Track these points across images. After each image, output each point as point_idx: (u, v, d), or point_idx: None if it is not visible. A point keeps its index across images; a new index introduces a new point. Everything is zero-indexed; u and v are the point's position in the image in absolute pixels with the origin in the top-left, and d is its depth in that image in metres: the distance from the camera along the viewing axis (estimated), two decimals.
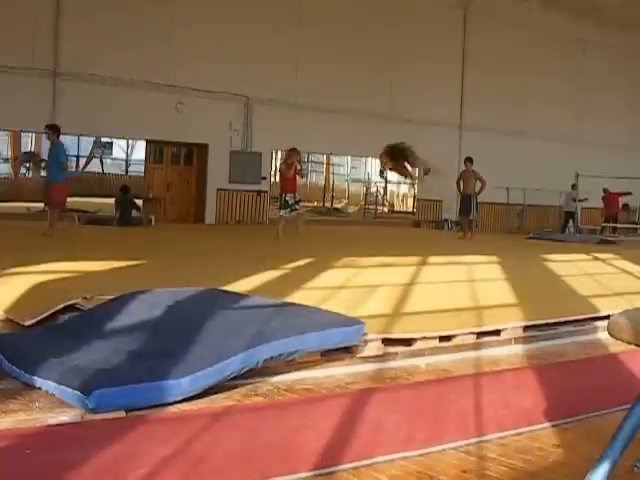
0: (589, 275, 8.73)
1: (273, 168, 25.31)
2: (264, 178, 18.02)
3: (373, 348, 4.54)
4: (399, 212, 28.98)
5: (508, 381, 4.14)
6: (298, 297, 5.60)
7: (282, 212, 12.58)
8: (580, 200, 19.67)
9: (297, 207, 12.67)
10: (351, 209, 29.32)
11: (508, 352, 4.95)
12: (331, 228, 17.09)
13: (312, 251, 10.10)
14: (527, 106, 21.24)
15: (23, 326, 4.69)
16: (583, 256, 11.40)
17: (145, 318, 4.17)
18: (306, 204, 29.56)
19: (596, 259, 11.08)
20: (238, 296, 5.01)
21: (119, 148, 32.41)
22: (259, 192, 17.87)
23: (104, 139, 28.71)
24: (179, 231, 14.23)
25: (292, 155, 12.67)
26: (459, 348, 4.89)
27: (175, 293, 4.71)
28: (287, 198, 12.55)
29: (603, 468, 2.09)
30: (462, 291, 6.80)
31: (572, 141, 22.02)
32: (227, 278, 6.26)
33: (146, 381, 3.31)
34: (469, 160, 14.78)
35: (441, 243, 14.27)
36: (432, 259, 9.70)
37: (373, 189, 30.04)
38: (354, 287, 6.68)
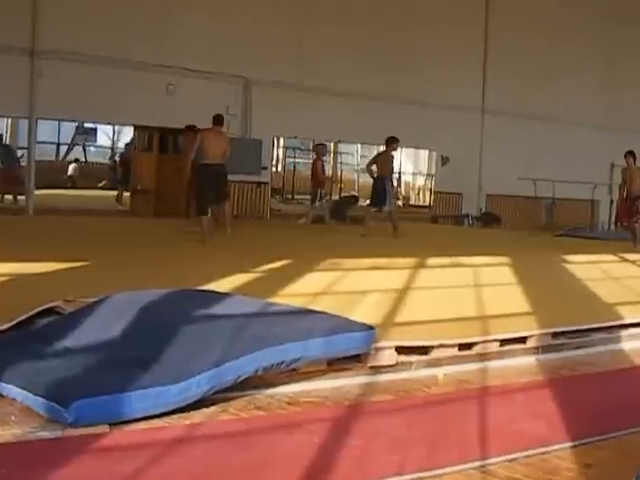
0: (615, 279, 8.73)
1: (274, 157, 25.34)
2: (265, 168, 17.98)
3: (385, 357, 4.53)
4: (415, 206, 28.94)
5: (534, 393, 4.12)
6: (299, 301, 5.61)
7: (317, 204, 14.21)
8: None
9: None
10: (360, 203, 29.30)
11: (534, 362, 4.94)
12: (339, 225, 17.03)
13: (312, 251, 10.13)
14: (556, 88, 21.15)
15: None
16: (611, 257, 11.36)
17: (130, 322, 4.17)
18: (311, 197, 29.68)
19: (624, 260, 11.05)
20: (232, 298, 5.00)
21: (104, 135, 32.41)
22: (259, 183, 17.84)
23: (87, 125, 28.70)
24: (166, 227, 14.20)
25: (321, 149, 14.40)
26: (481, 357, 4.87)
27: (162, 295, 4.71)
28: (320, 191, 14.20)
29: None
30: (481, 295, 6.80)
31: (606, 127, 21.93)
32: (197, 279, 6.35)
33: (131, 390, 3.31)
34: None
35: (459, 240, 14.23)
36: (444, 260, 9.75)
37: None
38: (357, 291, 6.68)
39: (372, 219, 14.07)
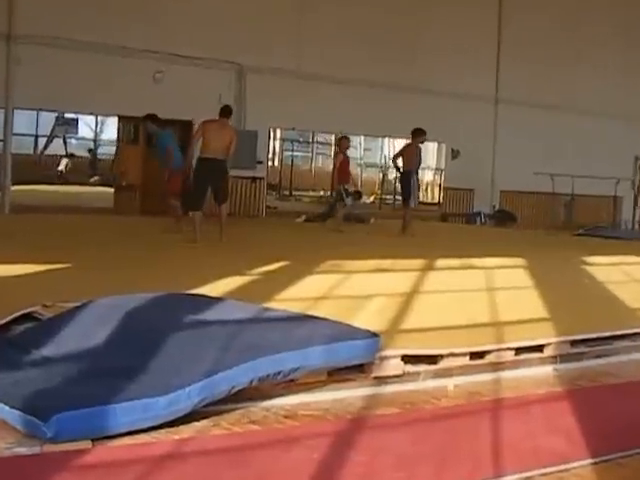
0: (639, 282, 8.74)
1: (271, 150, 25.32)
2: (260, 162, 18.00)
3: (391, 367, 4.53)
4: (423, 203, 28.94)
5: (552, 406, 4.13)
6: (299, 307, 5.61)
7: (347, 201, 14.15)
8: None
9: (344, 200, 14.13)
10: (364, 199, 29.30)
11: (552, 372, 4.94)
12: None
13: (312, 251, 10.16)
14: (576, 76, 21.15)
15: None
16: (634, 258, 11.35)
17: (114, 329, 4.17)
18: (310, 194, 29.67)
19: None
20: (225, 303, 5.01)
21: (86, 126, 32.39)
22: (254, 179, 17.86)
23: (68, 115, 28.69)
24: (153, 226, 14.20)
25: (345, 142, 14.36)
26: (494, 367, 4.87)
27: (149, 299, 4.72)
28: (346, 187, 14.10)
29: None
30: (494, 300, 6.80)
31: (630, 117, 21.91)
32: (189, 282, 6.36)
33: (115, 402, 3.31)
34: None
35: (470, 240, 14.23)
36: (454, 262, 9.77)
37: (391, 176, 29.98)
38: (360, 295, 6.70)
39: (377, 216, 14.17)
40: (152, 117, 12.47)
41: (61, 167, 27.76)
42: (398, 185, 14.72)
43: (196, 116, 16.92)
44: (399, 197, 27.35)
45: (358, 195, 14.40)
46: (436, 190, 28.20)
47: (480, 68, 20.12)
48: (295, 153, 33.64)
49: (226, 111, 11.64)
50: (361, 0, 18.20)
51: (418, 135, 13.97)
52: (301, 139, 34.12)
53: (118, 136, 18.53)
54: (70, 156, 28.78)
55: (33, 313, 5.03)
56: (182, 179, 11.89)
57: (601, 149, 21.02)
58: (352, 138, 25.95)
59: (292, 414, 3.80)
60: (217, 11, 16.53)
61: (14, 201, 15.40)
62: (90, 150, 29.64)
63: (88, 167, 28.39)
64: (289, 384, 4.10)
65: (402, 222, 14.01)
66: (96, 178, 26.32)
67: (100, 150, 31.21)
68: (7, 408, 3.34)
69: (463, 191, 20.80)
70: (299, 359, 4.04)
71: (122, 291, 5.13)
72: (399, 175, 14.42)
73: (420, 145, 14.38)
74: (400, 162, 14.19)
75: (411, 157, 13.99)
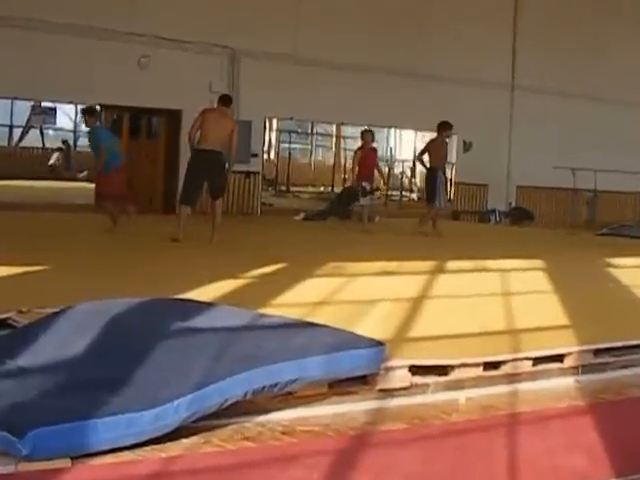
0: None
1: (266, 142, 25.32)
2: (255, 155, 17.99)
3: (397, 378, 4.54)
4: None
5: (573, 421, 4.13)
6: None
7: (362, 201, 14.44)
8: None
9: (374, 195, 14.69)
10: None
11: (573, 384, 4.94)
12: (342, 222, 17.03)
13: (311, 252, 10.26)
14: (600, 62, 21.15)
15: None
16: None
17: (96, 337, 4.18)
18: (309, 189, 29.68)
19: None
20: (217, 309, 5.01)
21: (65, 116, 32.41)
22: (248, 173, 17.85)
23: (45, 104, 28.70)
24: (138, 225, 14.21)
25: (367, 136, 14.59)
26: (510, 378, 4.88)
27: (134, 305, 4.72)
28: (364, 184, 14.32)
29: None
30: (510, 305, 6.81)
31: None
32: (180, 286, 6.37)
33: (97, 417, 3.31)
34: None
35: (484, 240, 14.24)
36: (467, 264, 9.79)
37: (398, 170, 30.00)
38: (364, 300, 6.71)
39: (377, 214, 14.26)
40: (89, 111, 12.50)
41: (52, 161, 27.81)
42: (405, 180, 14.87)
43: (185, 105, 16.98)
44: (407, 194, 27.56)
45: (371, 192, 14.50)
46: (447, 186, 28.21)
47: (495, 52, 20.11)
48: (293, 145, 33.66)
49: (226, 100, 11.68)
50: None
51: (444, 129, 14.19)
52: (299, 130, 34.15)
53: None
54: (60, 150, 28.82)
55: (7, 320, 5.04)
56: (124, 179, 12.00)
57: (627, 141, 21.02)
58: (355, 129, 26.02)
59: (290, 430, 3.80)
60: None
61: None
62: (64, 142, 29.59)
63: (63, 161, 28.38)
64: (286, 397, 4.10)
65: (432, 223, 14.32)
66: (85, 173, 26.36)
67: (80, 142, 31.20)
68: None
69: (476, 187, 20.80)
70: (297, 370, 4.04)
71: (104, 296, 5.13)
72: (425, 173, 14.70)
73: (447, 139, 14.51)
74: (426, 158, 14.39)
75: (437, 153, 14.23)
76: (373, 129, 15.75)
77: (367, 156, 14.41)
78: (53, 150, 28.74)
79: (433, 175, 14.16)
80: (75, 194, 19.71)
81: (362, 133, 14.98)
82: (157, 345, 4.01)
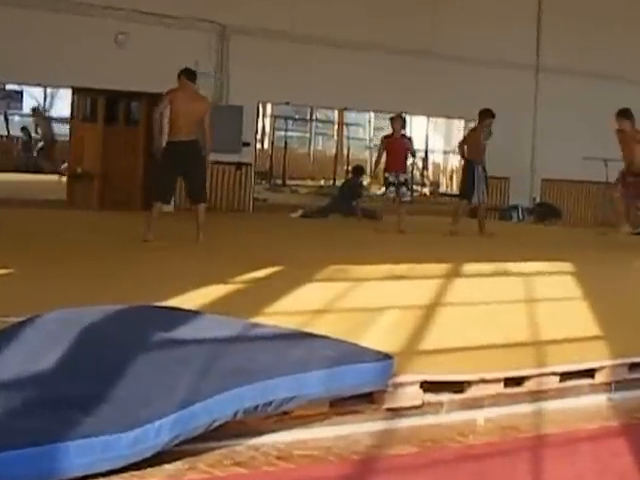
0: None
1: (260, 130, 25.30)
2: (247, 144, 18.00)
3: (407, 396, 4.54)
4: (446, 195, 28.92)
5: (606, 444, 4.13)
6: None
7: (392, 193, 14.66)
8: None
9: (402, 190, 14.60)
10: (375, 190, 29.31)
11: (606, 402, 4.94)
12: (345, 220, 17.05)
13: (310, 254, 10.31)
14: (636, 38, 21.14)
15: None
16: None
17: (68, 349, 4.17)
18: (308, 183, 29.68)
19: None
20: (204, 318, 5.01)
21: (33, 100, 32.44)
22: (239, 165, 17.86)
23: (10, 87, 28.71)
24: (116, 223, 14.24)
25: (396, 123, 14.64)
26: (534, 396, 4.88)
27: (111, 313, 4.72)
28: (387, 175, 14.73)
29: None
30: (534, 313, 6.82)
31: None
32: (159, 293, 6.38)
33: (69, 439, 3.31)
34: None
35: (505, 241, 14.24)
36: (485, 267, 9.84)
37: (408, 161, 29.94)
38: (370, 307, 6.72)
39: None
40: None
41: (35, 153, 27.75)
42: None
43: (167, 88, 16.91)
44: (418, 188, 27.57)
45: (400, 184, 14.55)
46: None
47: (517, 29, 20.10)
48: (289, 133, 33.64)
49: (190, 74, 11.39)
50: None
51: (484, 117, 14.40)
52: (297, 116, 34.16)
53: (72, 112, 18.51)
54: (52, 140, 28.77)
55: None
56: None
57: None
58: (359, 115, 25.95)
59: (286, 454, 3.80)
60: None
61: None
62: (23, 128, 29.49)
63: (22, 150, 28.30)
64: (282, 417, 4.11)
65: (478, 222, 14.54)
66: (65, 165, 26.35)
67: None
68: None
69: (496, 180, 20.67)
70: (295, 386, 4.05)
71: (77, 303, 5.13)
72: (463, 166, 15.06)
73: (485, 129, 14.65)
74: (466, 149, 14.71)
75: (476, 144, 14.46)
76: (381, 115, 15.81)
77: (395, 146, 14.48)
78: (38, 140, 28.69)
79: (470, 168, 14.50)
80: (45, 189, 19.71)
81: (391, 120, 15.03)
82: (136, 358, 4.00)
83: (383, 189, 15.45)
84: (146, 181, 17.38)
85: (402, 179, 14.57)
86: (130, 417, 3.49)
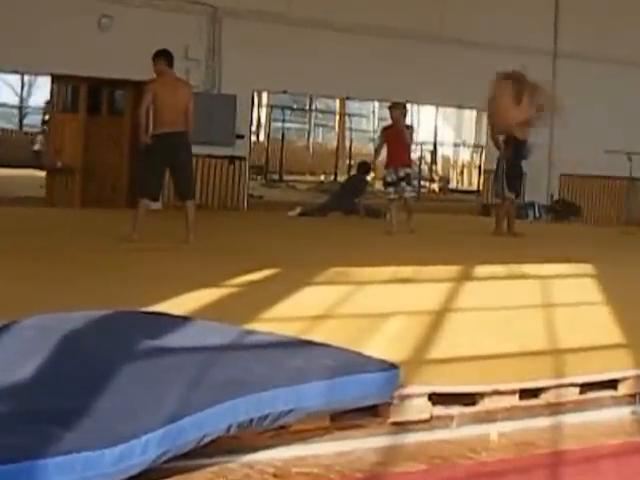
0: None
1: (255, 121, 25.31)
2: (241, 137, 18.01)
3: (415, 409, 4.54)
4: (457, 191, 29.01)
5: (630, 461, 4.13)
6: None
7: (390, 193, 14.50)
8: None
9: (402, 186, 14.34)
10: (379, 186, 29.38)
11: (629, 415, 4.94)
12: (347, 219, 17.08)
13: (310, 255, 10.36)
14: None
15: None
16: None
17: (46, 358, 4.17)
18: (307, 178, 29.72)
19: None
20: (195, 324, 5.01)
21: (8, 88, 32.48)
22: (232, 159, 17.88)
23: None
24: (99, 222, 14.25)
25: (395, 112, 14.54)
26: (552, 409, 4.88)
27: (94, 319, 4.73)
28: (385, 174, 14.76)
29: None
30: (552, 319, 6.82)
31: None
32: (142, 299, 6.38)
33: (47, 456, 3.31)
34: None
35: (521, 241, 14.27)
36: (499, 269, 9.84)
37: (415, 155, 30.00)
38: (374, 313, 6.72)
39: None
40: None
41: (37, 146, 27.82)
42: None
43: (154, 75, 16.95)
44: (426, 183, 27.60)
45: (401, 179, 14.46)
46: (475, 173, 28.28)
47: (533, 13, 20.13)
48: (287, 125, 33.71)
49: (169, 57, 11.37)
50: None
51: None
52: (295, 106, 34.22)
53: (51, 102, 18.54)
54: (44, 132, 28.86)
55: None
56: None
57: None
58: (362, 105, 25.97)
59: (283, 472, 3.80)
60: None
61: None
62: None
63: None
64: (279, 432, 4.10)
65: (505, 219, 14.87)
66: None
67: (27, 120, 31.29)
68: None
69: None
70: (293, 398, 4.04)
71: (57, 309, 5.13)
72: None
73: None
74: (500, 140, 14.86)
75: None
76: (386, 104, 15.82)
77: (395, 138, 14.27)
78: (35, 134, 28.77)
79: (498, 162, 14.87)
80: (21, 184, 19.74)
81: (390, 109, 14.89)
82: (121, 369, 4.00)
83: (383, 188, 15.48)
84: (131, 176, 17.42)
85: (402, 174, 14.33)
86: (114, 432, 3.49)
